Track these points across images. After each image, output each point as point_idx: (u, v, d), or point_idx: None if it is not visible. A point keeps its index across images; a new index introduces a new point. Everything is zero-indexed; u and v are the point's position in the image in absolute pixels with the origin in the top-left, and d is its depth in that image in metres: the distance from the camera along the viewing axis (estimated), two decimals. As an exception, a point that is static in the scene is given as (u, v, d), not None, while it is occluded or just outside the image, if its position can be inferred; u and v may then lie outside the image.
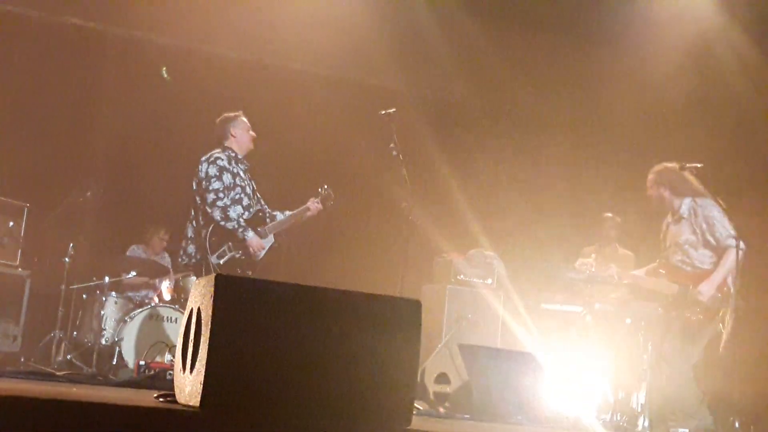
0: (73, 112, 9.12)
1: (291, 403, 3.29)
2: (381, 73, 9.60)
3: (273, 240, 6.91)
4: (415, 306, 3.61)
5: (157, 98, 9.37)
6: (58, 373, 6.25)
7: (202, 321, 3.34)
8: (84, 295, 8.15)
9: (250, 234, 6.70)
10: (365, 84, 9.94)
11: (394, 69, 9.52)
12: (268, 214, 7.00)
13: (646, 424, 6.46)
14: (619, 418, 6.57)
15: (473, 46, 9.56)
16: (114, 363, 7.45)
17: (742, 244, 6.39)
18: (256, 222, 6.85)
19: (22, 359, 7.62)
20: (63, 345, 7.74)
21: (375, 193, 8.78)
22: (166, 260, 9.01)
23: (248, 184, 6.95)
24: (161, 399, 3.71)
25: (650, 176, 6.82)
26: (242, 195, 6.82)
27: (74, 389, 4.46)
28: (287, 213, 6.99)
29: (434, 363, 5.96)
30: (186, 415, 3.17)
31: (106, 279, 8.05)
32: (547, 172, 9.83)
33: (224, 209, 6.65)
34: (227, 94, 9.35)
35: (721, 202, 6.55)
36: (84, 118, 9.30)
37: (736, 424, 6.16)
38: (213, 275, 3.35)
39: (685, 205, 6.74)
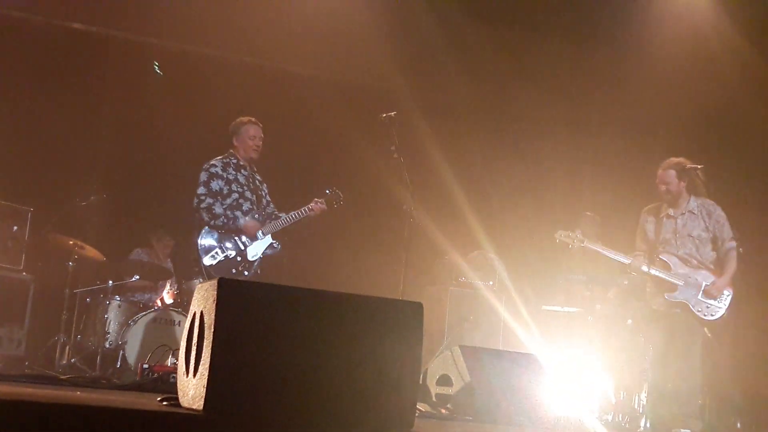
0: (77, 117, 9.13)
1: (294, 405, 3.31)
2: (382, 76, 9.62)
3: (270, 240, 6.95)
4: (417, 308, 3.63)
5: (161, 102, 9.39)
6: (62, 377, 6.26)
7: (205, 324, 3.36)
8: (87, 299, 8.18)
9: (242, 220, 6.80)
10: (366, 87, 9.97)
11: (395, 72, 9.54)
12: (274, 217, 7.06)
13: (648, 424, 6.48)
14: (620, 418, 6.59)
15: (473, 48, 9.57)
16: (118, 366, 7.48)
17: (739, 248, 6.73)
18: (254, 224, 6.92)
19: (27, 363, 7.65)
20: (67, 349, 7.77)
21: (376, 196, 8.79)
22: (168, 264, 9.04)
23: (250, 189, 7.00)
24: (165, 402, 3.73)
25: (670, 170, 6.89)
26: (241, 200, 6.90)
27: (78, 393, 4.48)
28: (292, 214, 7.02)
29: (436, 365, 5.97)
30: (189, 418, 3.19)
31: (110, 283, 8.08)
32: (548, 173, 9.84)
33: (209, 209, 6.77)
34: (230, 97, 9.38)
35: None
36: (87, 122, 9.32)
37: (738, 425, 6.19)
38: (216, 279, 3.37)
39: (694, 202, 6.92)
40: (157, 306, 8.05)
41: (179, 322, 7.65)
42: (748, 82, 8.83)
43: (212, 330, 3.26)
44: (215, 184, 6.84)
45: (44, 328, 8.22)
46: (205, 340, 3.33)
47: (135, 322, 7.66)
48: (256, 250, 6.89)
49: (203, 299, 3.47)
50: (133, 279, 8.37)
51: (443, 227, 8.12)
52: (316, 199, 7.01)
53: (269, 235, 6.96)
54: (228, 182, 6.88)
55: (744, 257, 6.88)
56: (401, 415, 3.49)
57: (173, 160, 9.18)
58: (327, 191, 7.07)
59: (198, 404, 3.26)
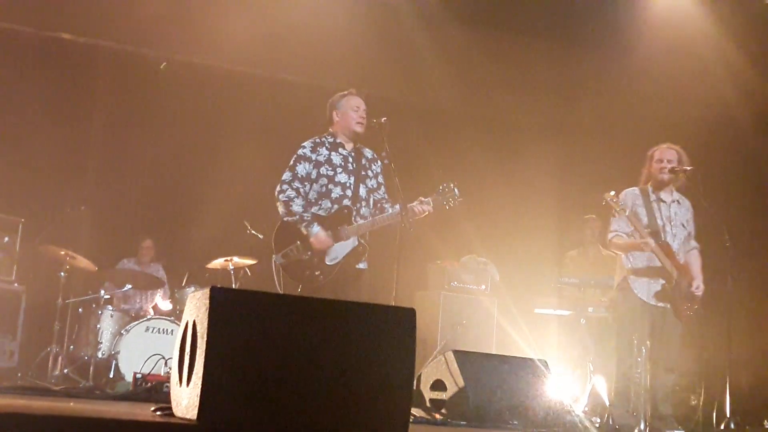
0: (66, 127, 9.13)
1: (288, 413, 3.31)
2: (371, 82, 9.62)
3: (356, 243, 5.96)
4: (410, 314, 3.63)
5: (149, 111, 9.40)
6: (55, 388, 6.26)
7: (198, 334, 3.35)
8: (80, 309, 8.17)
9: (315, 228, 5.82)
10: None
11: (384, 78, 9.55)
12: (379, 210, 6.11)
13: (643, 426, 6.49)
14: (613, 420, 6.59)
15: (462, 53, 9.60)
16: (111, 376, 7.49)
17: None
18: (339, 219, 5.95)
19: (19, 374, 7.63)
20: (60, 359, 7.75)
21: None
22: (160, 273, 9.02)
23: (347, 171, 6.08)
24: (158, 412, 3.72)
25: (673, 150, 6.60)
26: (330, 185, 5.99)
27: (71, 404, 4.47)
28: (391, 211, 5.99)
29: (430, 370, 5.97)
30: (183, 428, 3.18)
31: (102, 292, 8.07)
32: (538, 176, 9.86)
33: (287, 204, 5.90)
34: (219, 105, 9.41)
35: None
36: (77, 132, 9.32)
37: (732, 425, 6.20)
38: (208, 288, 3.36)
39: (676, 193, 6.70)
40: (150, 315, 8.05)
41: (172, 330, 7.65)
42: (736, 86, 8.85)
43: (205, 339, 3.25)
44: (302, 168, 5.99)
45: (37, 338, 8.21)
46: (198, 349, 3.32)
47: (128, 331, 7.67)
48: (336, 253, 5.90)
49: (196, 308, 3.46)
50: (125, 288, 8.36)
51: (435, 232, 8.13)
52: (421, 198, 6.00)
53: (354, 238, 5.95)
54: (317, 165, 6.00)
55: (741, 256, 6.77)
56: (395, 420, 3.49)
57: (161, 167, 9.19)
58: (440, 187, 6.08)
59: (192, 414, 3.26)
